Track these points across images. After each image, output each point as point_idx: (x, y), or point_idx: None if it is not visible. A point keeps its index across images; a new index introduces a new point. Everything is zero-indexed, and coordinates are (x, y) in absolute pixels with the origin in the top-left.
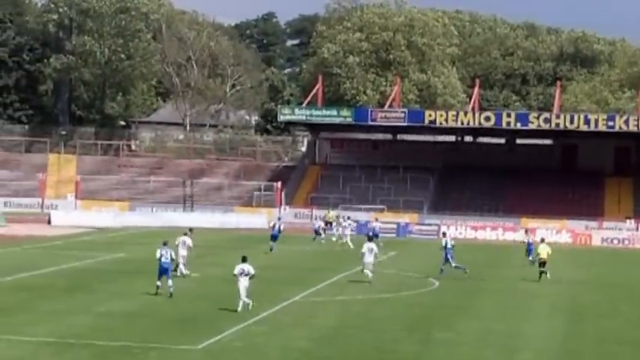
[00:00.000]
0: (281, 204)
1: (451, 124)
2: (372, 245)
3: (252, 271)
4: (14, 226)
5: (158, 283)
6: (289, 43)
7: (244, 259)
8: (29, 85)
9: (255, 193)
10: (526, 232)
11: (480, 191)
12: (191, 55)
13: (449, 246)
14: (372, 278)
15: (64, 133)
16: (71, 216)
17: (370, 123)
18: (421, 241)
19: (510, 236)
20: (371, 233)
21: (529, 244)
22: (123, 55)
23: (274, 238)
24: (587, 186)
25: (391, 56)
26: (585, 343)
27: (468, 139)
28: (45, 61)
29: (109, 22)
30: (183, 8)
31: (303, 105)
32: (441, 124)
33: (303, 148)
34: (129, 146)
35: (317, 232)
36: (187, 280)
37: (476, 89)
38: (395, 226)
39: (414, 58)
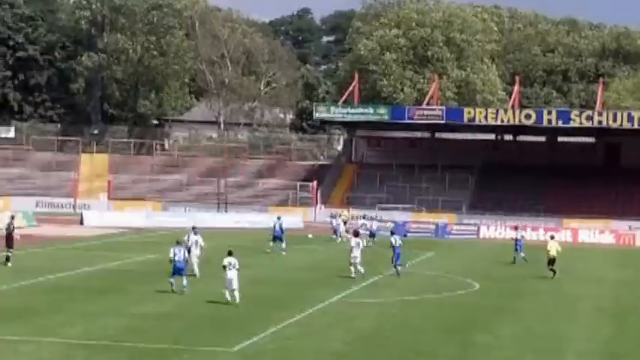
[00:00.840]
0: (316, 203)
1: (491, 121)
2: (359, 240)
3: (237, 265)
4: (45, 227)
5: (171, 280)
6: (324, 39)
7: (230, 253)
8: (61, 84)
9: (291, 192)
10: (515, 228)
11: (520, 191)
12: (225, 52)
13: (398, 245)
14: (358, 273)
15: (96, 132)
16: (103, 216)
17: (407, 121)
18: (460, 241)
19: None
20: (365, 231)
21: (518, 240)
22: (155, 53)
23: (277, 238)
24: (630, 185)
25: (429, 53)
26: (629, 345)
27: (508, 137)
28: (77, 58)
29: (142, 19)
30: (217, 5)
31: (339, 103)
32: (480, 121)
33: (339, 147)
34: (162, 145)
35: (335, 232)
36: (221, 281)
37: (516, 86)
38: (433, 226)
39: (452, 55)
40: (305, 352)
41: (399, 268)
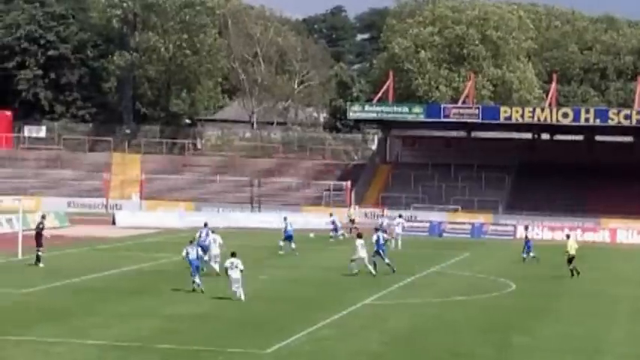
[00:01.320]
0: (350, 204)
1: (527, 120)
2: (362, 241)
3: (240, 266)
4: (78, 227)
5: (195, 279)
6: (359, 37)
7: (233, 254)
8: (92, 83)
9: (325, 192)
10: (526, 228)
11: (557, 190)
12: (258, 50)
13: (381, 241)
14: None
15: (128, 131)
16: (136, 216)
17: (443, 120)
18: (496, 242)
19: (590, 237)
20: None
21: (528, 240)
22: (188, 51)
23: (289, 237)
24: None
25: (465, 51)
26: None
27: (545, 136)
28: (108, 57)
29: (174, 17)
30: (250, 3)
31: (374, 102)
32: (516, 120)
33: (374, 146)
34: (194, 145)
35: (336, 229)
36: (255, 282)
37: (553, 84)
38: (469, 226)
39: (488, 53)
40: (341, 353)
41: (372, 261)
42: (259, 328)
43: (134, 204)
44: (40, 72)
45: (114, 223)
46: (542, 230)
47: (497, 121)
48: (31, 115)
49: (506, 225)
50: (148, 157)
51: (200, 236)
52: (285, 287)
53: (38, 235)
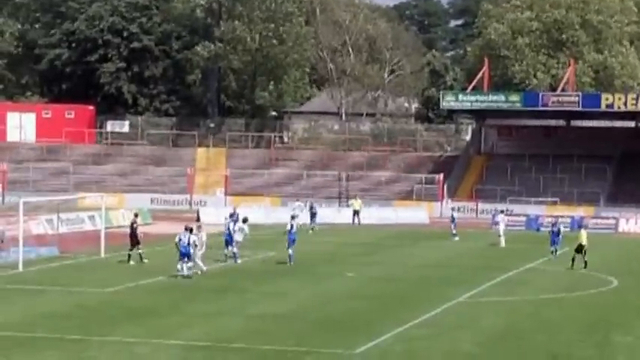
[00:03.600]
0: (443, 197)
1: (630, 108)
2: None
3: (246, 230)
4: (161, 224)
5: (178, 266)
6: (452, 23)
7: (245, 220)
8: (176, 75)
9: (416, 186)
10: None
11: None
12: (347, 39)
13: (293, 230)
14: None
15: (212, 125)
16: (220, 213)
17: (541, 108)
18: (598, 235)
19: None
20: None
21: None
22: (274, 41)
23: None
24: None
25: (564, 36)
26: None
27: None
28: (193, 49)
29: (260, 6)
30: None
31: (468, 90)
32: (619, 108)
33: (468, 137)
34: (281, 138)
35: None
36: (342, 279)
37: None
38: (569, 220)
39: (588, 38)
40: (433, 353)
41: (290, 252)
42: (347, 327)
43: (219, 200)
44: (123, 65)
45: (198, 219)
46: None
47: (599, 109)
48: (113, 110)
49: (607, 218)
50: (233, 151)
51: (228, 227)
52: (375, 285)
53: (133, 234)
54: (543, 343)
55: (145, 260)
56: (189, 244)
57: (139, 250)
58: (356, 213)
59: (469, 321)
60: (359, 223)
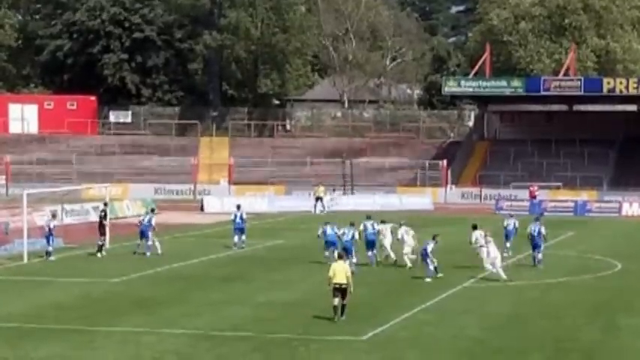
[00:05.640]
0: (447, 183)
1: (632, 92)
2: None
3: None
4: (165, 214)
5: (138, 242)
6: (454, 9)
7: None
8: (179, 65)
9: (419, 172)
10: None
11: None
12: (349, 26)
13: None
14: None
15: (215, 114)
16: (225, 202)
17: (543, 93)
18: (601, 219)
19: None
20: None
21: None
22: (277, 29)
23: (240, 230)
24: None
25: (566, 21)
26: None
27: None
28: (195, 38)
29: None
30: None
31: (470, 76)
32: (621, 92)
33: (470, 123)
34: (284, 126)
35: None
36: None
37: None
38: (572, 204)
39: (591, 23)
40: (440, 338)
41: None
42: (354, 314)
43: (223, 189)
44: (125, 56)
45: (202, 209)
46: None
47: (600, 94)
48: (116, 100)
49: (610, 202)
50: (237, 140)
51: (235, 220)
52: (381, 272)
53: (101, 224)
54: (549, 327)
55: (99, 254)
56: (149, 225)
57: (101, 243)
58: (319, 199)
59: (474, 306)
60: (323, 210)
